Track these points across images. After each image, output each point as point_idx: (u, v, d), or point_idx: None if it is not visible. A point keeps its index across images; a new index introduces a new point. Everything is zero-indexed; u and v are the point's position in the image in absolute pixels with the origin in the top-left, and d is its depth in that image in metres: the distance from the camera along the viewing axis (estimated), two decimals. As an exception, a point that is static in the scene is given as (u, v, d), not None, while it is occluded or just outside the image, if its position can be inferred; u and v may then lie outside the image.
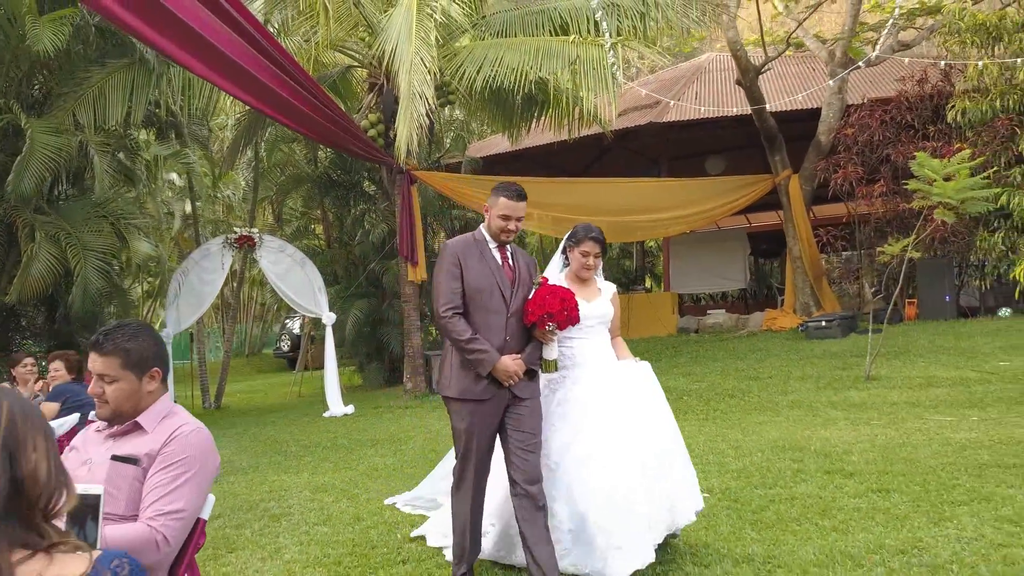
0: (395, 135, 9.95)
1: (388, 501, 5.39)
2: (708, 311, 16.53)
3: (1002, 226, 11.43)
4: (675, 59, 19.89)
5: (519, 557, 3.69)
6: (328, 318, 11.23)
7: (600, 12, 8.90)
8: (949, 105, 11.83)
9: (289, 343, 21.72)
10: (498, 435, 3.65)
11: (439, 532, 4.34)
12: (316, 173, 15.23)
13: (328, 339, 11.30)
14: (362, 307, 14.11)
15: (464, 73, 9.78)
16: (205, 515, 2.21)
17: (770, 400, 8.22)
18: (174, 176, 17.31)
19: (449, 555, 3.98)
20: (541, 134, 14.33)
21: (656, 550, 3.52)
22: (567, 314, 3.57)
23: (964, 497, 4.48)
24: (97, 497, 1.62)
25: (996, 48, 11.75)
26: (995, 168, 11.15)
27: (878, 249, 10.35)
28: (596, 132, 13.05)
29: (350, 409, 10.70)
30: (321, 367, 16.83)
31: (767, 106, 12.70)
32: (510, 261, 3.70)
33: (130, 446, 2.13)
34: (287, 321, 22.47)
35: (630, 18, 9.84)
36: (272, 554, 4.51)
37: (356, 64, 11.94)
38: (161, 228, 16.48)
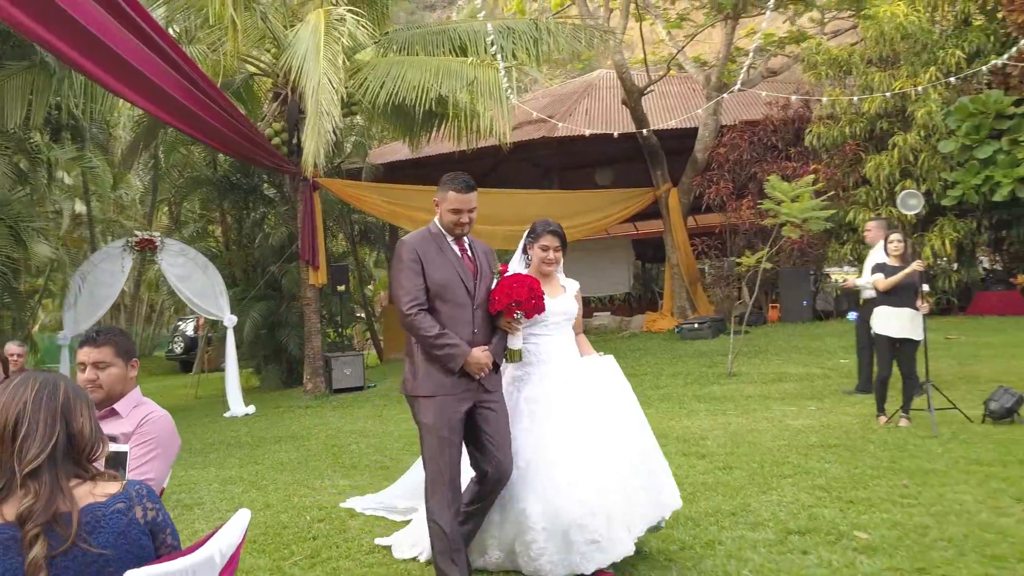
0: (299, 143, 10.36)
1: (347, 504, 5.37)
2: (594, 313, 17.56)
3: (850, 239, 12.88)
4: (568, 74, 20.87)
5: (492, 558, 3.73)
6: (229, 320, 11.46)
7: (493, 36, 9.54)
8: (807, 130, 13.22)
9: (183, 345, 21.44)
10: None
11: (408, 543, 4.26)
12: (215, 176, 15.28)
13: (229, 341, 11.54)
14: (260, 310, 14.28)
15: (368, 87, 10.27)
16: (165, 484, 2.74)
17: (644, 394, 9.12)
18: (63, 175, 16.88)
19: (423, 557, 4.02)
20: (441, 143, 14.94)
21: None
22: (535, 303, 3.56)
23: (790, 471, 5.39)
24: (125, 453, 2.23)
25: (846, 80, 13.23)
26: (844, 187, 12.59)
27: (735, 260, 11.55)
28: (494, 143, 13.79)
29: (251, 409, 10.97)
30: (218, 369, 16.86)
31: (650, 126, 13.76)
32: (469, 252, 3.65)
33: (108, 428, 2.63)
34: (179, 323, 22.16)
35: (524, 43, 10.61)
36: (190, 537, 4.93)
37: (259, 73, 12.20)
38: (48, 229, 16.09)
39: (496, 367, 3.64)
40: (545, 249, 3.88)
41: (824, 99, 12.42)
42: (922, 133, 11.98)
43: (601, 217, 14.57)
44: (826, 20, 14.39)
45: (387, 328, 18.14)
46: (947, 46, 12.14)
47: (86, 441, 1.80)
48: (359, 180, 14.94)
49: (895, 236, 7.03)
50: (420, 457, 3.69)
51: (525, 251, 4.01)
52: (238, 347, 13.20)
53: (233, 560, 1.90)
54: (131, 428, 2.62)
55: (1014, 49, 10.40)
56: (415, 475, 4.71)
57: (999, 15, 12.20)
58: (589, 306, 21.40)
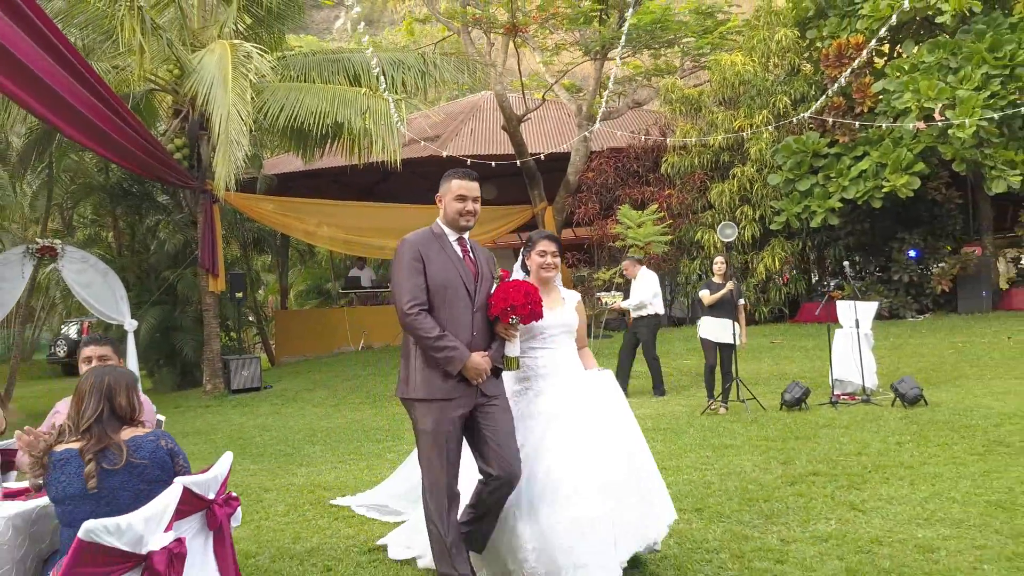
0: (200, 159, 11.11)
1: (338, 502, 5.52)
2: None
3: (699, 255, 14.77)
4: (454, 93, 22.08)
5: None
6: (130, 325, 12.01)
7: (379, 69, 10.54)
8: (664, 159, 15.03)
9: (66, 349, 21.24)
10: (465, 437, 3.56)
11: (402, 544, 4.26)
12: (108, 183, 15.59)
13: (130, 344, 12.08)
14: (155, 314, 14.77)
15: (268, 110, 11.15)
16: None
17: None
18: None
19: (421, 563, 4.01)
20: (334, 156, 15.85)
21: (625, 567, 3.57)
22: (531, 308, 3.48)
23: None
24: (162, 420, 3.29)
25: (696, 117, 15.14)
26: (693, 210, 14.45)
27: (592, 274, 13.16)
28: (384, 158, 14.82)
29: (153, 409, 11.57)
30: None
31: (528, 151, 15.20)
32: (471, 254, 3.61)
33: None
34: (63, 327, 21.90)
35: (413, 75, 11.78)
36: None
37: (159, 89, 12.77)
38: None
39: (496, 372, 3.59)
40: (543, 255, 3.86)
41: (667, 138, 14.20)
42: (756, 166, 14.00)
43: (485, 231, 15.89)
44: (684, 61, 16.30)
45: (279, 332, 18.79)
46: (777, 92, 14.22)
47: (124, 409, 2.90)
48: (254, 190, 15.64)
49: (719, 258, 8.76)
50: (409, 459, 3.77)
51: (524, 266, 3.97)
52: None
53: (223, 484, 3.01)
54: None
55: (823, 98, 12.43)
56: (407, 478, 4.91)
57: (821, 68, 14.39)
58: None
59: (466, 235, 3.64)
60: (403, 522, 4.62)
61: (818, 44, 14.24)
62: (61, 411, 3.83)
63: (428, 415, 3.44)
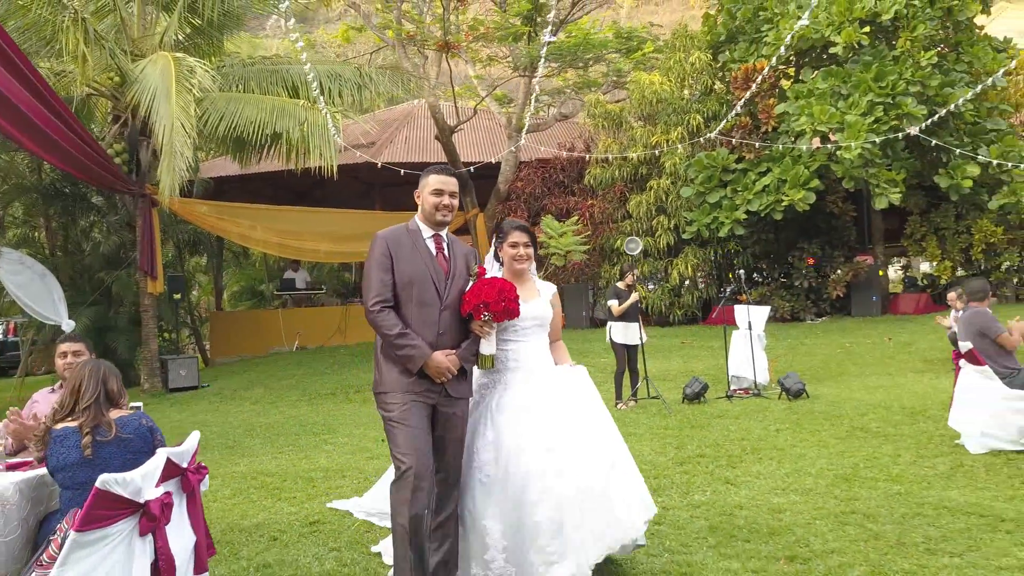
0: (139, 164, 11.48)
1: (336, 505, 5.58)
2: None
3: (618, 261, 15.75)
4: (389, 103, 22.63)
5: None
6: (68, 325, 12.26)
7: (317, 84, 11.09)
8: (587, 171, 15.99)
9: (-9, 349, 21.02)
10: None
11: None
12: (40, 183, 15.65)
13: (68, 345, 12.32)
14: (90, 315, 14.93)
15: (208, 119, 11.59)
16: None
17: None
18: None
19: None
20: (270, 161, 16.26)
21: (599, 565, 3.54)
22: (505, 305, 3.42)
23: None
24: (139, 405, 3.90)
25: (618, 132, 16.14)
26: (614, 219, 15.43)
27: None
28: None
29: (89, 407, 11.85)
30: (41, 372, 17.05)
31: (460, 160, 15.94)
32: (445, 251, 3.58)
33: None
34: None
35: (350, 88, 12.38)
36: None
37: (97, 94, 13.02)
38: None
39: (464, 372, 3.53)
40: (514, 246, 3.79)
41: (587, 154, 15.17)
42: (671, 179, 15.07)
43: (417, 236, 16.54)
44: (608, 78, 17.29)
45: (213, 332, 19.03)
46: (691, 111, 15.33)
47: (115, 394, 3.53)
48: (191, 193, 15.94)
49: (629, 271, 9.67)
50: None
51: (497, 257, 3.90)
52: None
53: (193, 456, 3.65)
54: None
55: (731, 117, 13.54)
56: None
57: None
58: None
59: (443, 232, 3.62)
60: None
61: (730, 66, 15.39)
62: (39, 400, 4.41)
63: (392, 405, 3.44)
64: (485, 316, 3.43)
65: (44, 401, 4.38)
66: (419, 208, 3.60)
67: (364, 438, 8.46)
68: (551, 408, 3.55)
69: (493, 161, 16.32)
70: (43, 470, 3.46)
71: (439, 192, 3.52)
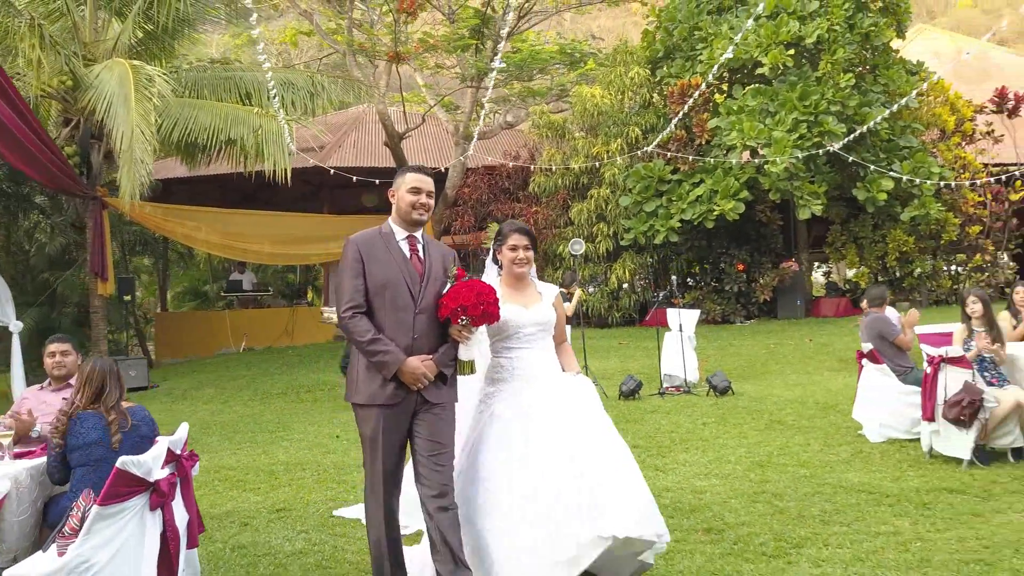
0: (91, 166, 11.65)
1: (340, 513, 5.55)
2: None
3: (560, 266, 16.45)
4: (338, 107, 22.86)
5: None
6: (15, 326, 12.30)
7: (276, 92, 11.45)
8: (532, 179, 16.63)
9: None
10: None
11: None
12: (-17, 183, 15.53)
13: (15, 345, 12.35)
14: (34, 315, 14.91)
15: (161, 125, 11.80)
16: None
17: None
18: None
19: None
20: (219, 164, 16.42)
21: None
22: (483, 308, 3.29)
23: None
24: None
25: (561, 142, 16.84)
26: (557, 226, 16.11)
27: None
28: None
29: (39, 408, 11.93)
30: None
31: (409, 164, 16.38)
32: (420, 253, 3.48)
33: (66, 393, 4.60)
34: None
35: (302, 96, 12.74)
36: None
37: (48, 97, 13.07)
38: None
39: (443, 378, 3.44)
40: (514, 249, 3.66)
41: (533, 162, 15.83)
42: (611, 188, 15.84)
43: (365, 239, 16.95)
44: (552, 90, 17.98)
45: (159, 333, 19.05)
46: (631, 123, 16.11)
47: (122, 390, 3.98)
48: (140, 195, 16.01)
49: (569, 276, 10.32)
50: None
51: (495, 259, 3.80)
52: (7, 351, 13.81)
53: (185, 444, 4.09)
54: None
55: (668, 131, 14.34)
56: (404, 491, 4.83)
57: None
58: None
59: (418, 233, 3.55)
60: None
61: (667, 81, 16.22)
62: (29, 397, 4.79)
63: (367, 419, 3.39)
64: (463, 320, 3.30)
65: (34, 397, 4.75)
66: (394, 208, 3.53)
67: (319, 435, 8.89)
68: (556, 420, 3.44)
69: (442, 168, 16.81)
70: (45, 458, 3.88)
71: (416, 191, 3.47)
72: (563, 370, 3.71)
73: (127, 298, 13.98)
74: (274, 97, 10.30)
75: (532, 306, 3.62)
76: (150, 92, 9.97)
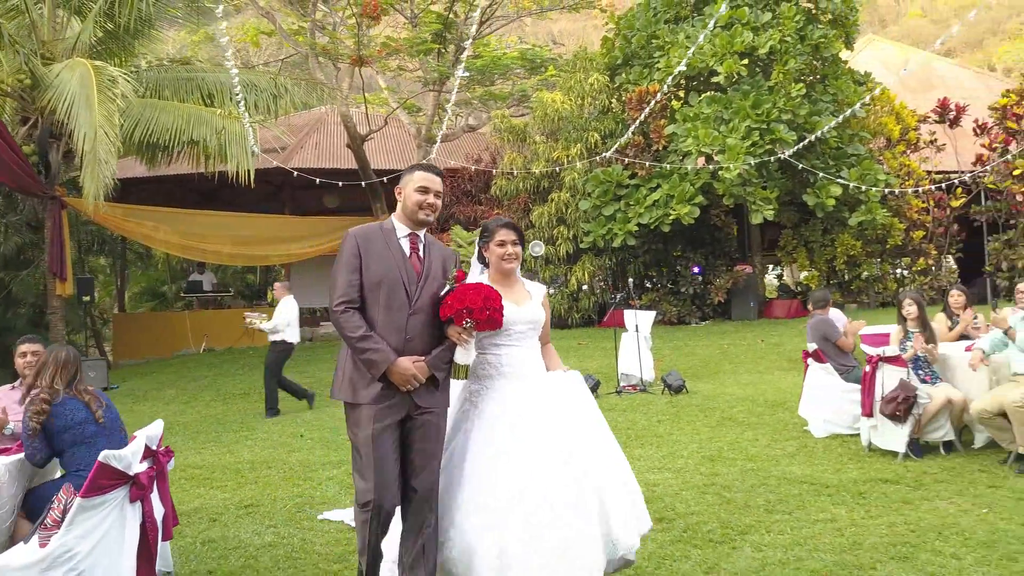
0: (49, 166, 11.58)
1: (327, 516, 5.50)
2: (321, 323, 19.91)
3: (521, 268, 16.67)
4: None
5: None
6: (-29, 327, 12.18)
7: (240, 91, 11.50)
8: (494, 182, 16.87)
9: None
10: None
11: (389, 559, 3.87)
12: (-66, 181, 15.24)
13: (-29, 346, 12.22)
14: (-14, 315, 14.72)
15: (123, 125, 11.75)
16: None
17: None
18: None
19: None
20: (180, 163, 16.33)
21: None
22: (488, 314, 3.22)
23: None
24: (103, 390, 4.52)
25: (522, 146, 17.11)
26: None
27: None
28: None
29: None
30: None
31: (370, 168, 16.51)
32: (420, 252, 3.41)
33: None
34: None
35: (265, 98, 12.80)
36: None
37: (3, 95, 12.91)
38: None
39: (434, 381, 3.34)
40: (502, 244, 3.59)
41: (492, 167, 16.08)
42: (570, 192, 16.17)
43: (328, 240, 17.00)
44: (513, 94, 18.27)
45: (117, 334, 18.84)
46: (590, 128, 16.46)
47: (81, 381, 4.13)
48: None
49: (529, 277, 10.59)
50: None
51: (481, 258, 3.71)
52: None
53: (160, 440, 4.24)
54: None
55: (626, 136, 14.70)
56: None
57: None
58: (316, 315, 23.63)
59: (421, 232, 3.47)
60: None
61: (626, 87, 16.59)
62: (0, 396, 4.88)
63: (356, 419, 3.27)
64: (467, 323, 3.22)
65: (5, 397, 4.85)
66: (399, 205, 3.45)
67: (283, 434, 9.01)
68: (546, 418, 3.35)
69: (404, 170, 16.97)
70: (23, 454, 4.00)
71: (424, 190, 3.38)
72: (548, 369, 3.64)
73: (86, 299, 13.87)
74: (239, 100, 10.34)
75: (524, 304, 3.57)
76: (113, 93, 9.97)
